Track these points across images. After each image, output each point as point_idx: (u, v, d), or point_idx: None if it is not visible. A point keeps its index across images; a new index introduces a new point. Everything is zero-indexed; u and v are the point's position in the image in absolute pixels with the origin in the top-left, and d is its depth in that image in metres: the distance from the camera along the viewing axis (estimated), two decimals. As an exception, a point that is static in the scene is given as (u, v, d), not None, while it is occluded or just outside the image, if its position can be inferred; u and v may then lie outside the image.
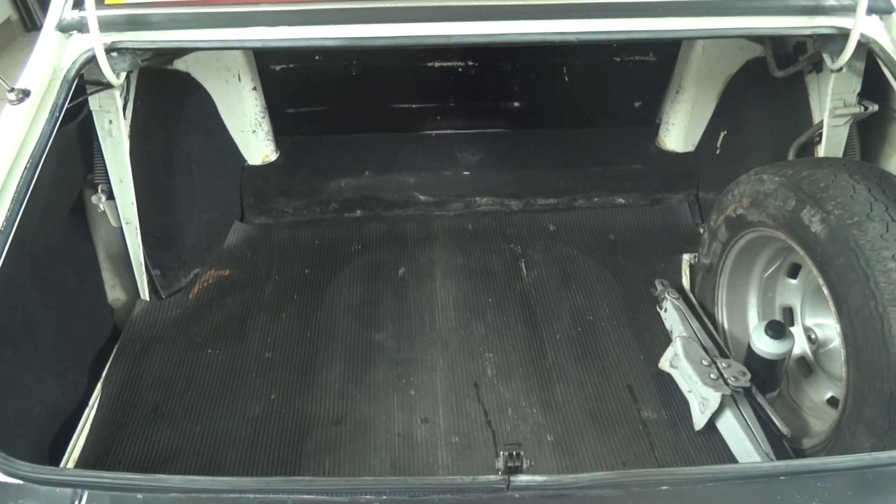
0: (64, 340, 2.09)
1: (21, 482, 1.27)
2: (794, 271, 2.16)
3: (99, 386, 2.20)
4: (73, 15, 1.93)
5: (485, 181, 3.02)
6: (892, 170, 2.04)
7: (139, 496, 1.23)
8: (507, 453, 1.25)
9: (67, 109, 1.86)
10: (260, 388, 2.22)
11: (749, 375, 2.01)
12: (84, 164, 2.26)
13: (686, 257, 2.60)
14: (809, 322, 2.15)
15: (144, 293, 2.50)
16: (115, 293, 2.48)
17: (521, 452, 1.26)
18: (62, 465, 1.92)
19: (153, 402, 2.17)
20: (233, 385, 2.23)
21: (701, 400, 2.02)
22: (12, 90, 1.77)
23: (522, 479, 1.25)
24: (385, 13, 1.93)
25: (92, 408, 2.13)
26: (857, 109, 2.22)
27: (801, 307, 2.17)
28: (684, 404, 2.10)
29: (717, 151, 2.94)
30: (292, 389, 2.22)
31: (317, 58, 2.91)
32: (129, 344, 2.36)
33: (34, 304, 1.97)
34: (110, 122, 2.17)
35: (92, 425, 2.08)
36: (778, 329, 1.97)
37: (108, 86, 2.05)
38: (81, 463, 1.97)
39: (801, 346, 2.16)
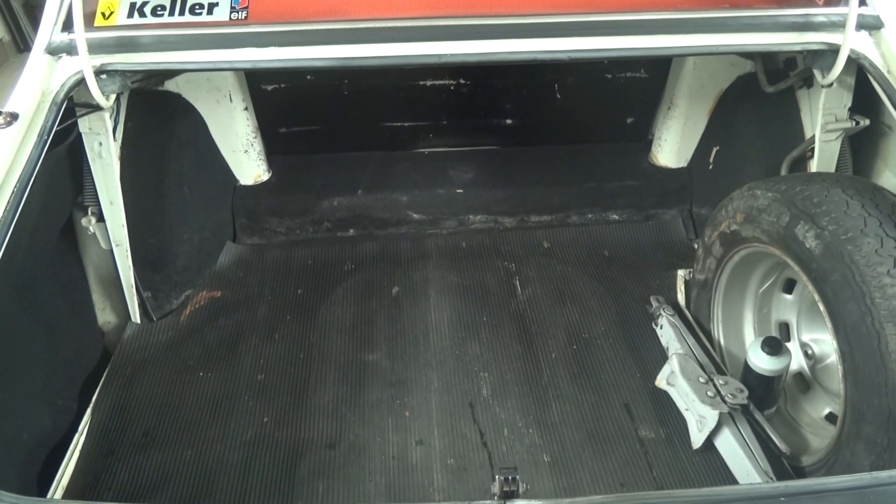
0: (53, 365, 2.06)
1: (6, 514, 1.25)
2: (789, 286, 2.16)
3: (88, 411, 2.17)
4: (62, 37, 1.92)
5: (478, 199, 3.01)
6: (884, 184, 2.04)
7: (127, 527, 1.21)
8: (502, 478, 1.23)
9: (57, 132, 1.85)
10: (252, 411, 2.19)
11: (746, 392, 1.99)
12: (74, 186, 2.25)
13: (681, 273, 2.59)
14: (806, 337, 2.14)
15: (135, 316, 2.47)
16: (105, 316, 2.46)
17: (518, 477, 1.24)
18: (51, 493, 1.89)
19: (144, 427, 2.14)
20: (225, 408, 2.20)
21: (698, 418, 2.00)
22: (0, 113, 1.76)
23: (519, 503, 1.23)
24: (376, 33, 1.93)
25: (81, 434, 2.10)
26: (849, 124, 2.22)
27: (797, 323, 2.16)
28: (682, 422, 2.08)
29: (710, 167, 2.94)
30: (285, 412, 2.19)
31: (308, 77, 2.91)
32: (119, 368, 2.33)
33: (22, 328, 1.95)
34: (100, 144, 2.16)
35: (81, 452, 2.05)
36: (774, 345, 1.95)
37: (98, 108, 2.03)
38: (71, 491, 1.94)
39: (797, 361, 2.15)
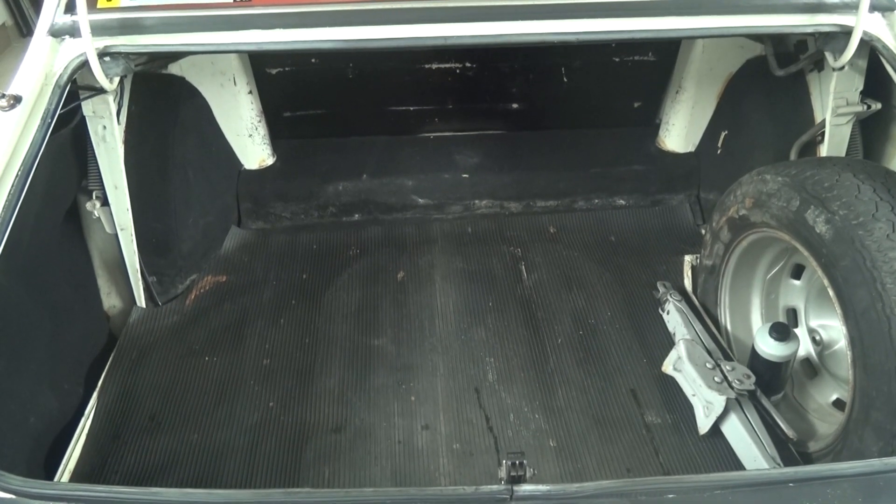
0: (59, 349, 2.06)
1: (13, 497, 1.24)
2: (797, 272, 2.14)
3: (95, 395, 2.17)
4: (65, 19, 1.90)
5: (484, 183, 2.99)
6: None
7: (134, 511, 1.21)
8: (510, 462, 1.23)
9: (60, 115, 1.83)
10: (258, 396, 2.19)
11: (753, 378, 1.99)
12: (78, 170, 2.24)
13: (688, 258, 2.58)
14: (814, 323, 2.13)
15: (140, 300, 2.47)
16: (110, 300, 2.46)
17: (525, 461, 1.23)
18: (58, 477, 1.90)
19: (150, 411, 2.14)
20: (231, 393, 2.20)
21: (705, 404, 2.00)
22: (3, 96, 1.74)
23: (526, 488, 1.22)
24: (382, 15, 1.91)
25: (88, 418, 2.10)
26: (860, 108, 2.20)
27: (805, 308, 2.15)
28: (688, 408, 2.07)
29: (718, 151, 2.92)
30: (291, 397, 2.19)
31: (313, 60, 2.89)
32: (125, 352, 2.33)
33: (28, 312, 1.95)
34: (104, 127, 2.15)
35: (88, 436, 2.05)
36: (782, 331, 1.95)
37: (102, 91, 2.02)
38: (77, 475, 1.94)
39: (805, 347, 2.13)
